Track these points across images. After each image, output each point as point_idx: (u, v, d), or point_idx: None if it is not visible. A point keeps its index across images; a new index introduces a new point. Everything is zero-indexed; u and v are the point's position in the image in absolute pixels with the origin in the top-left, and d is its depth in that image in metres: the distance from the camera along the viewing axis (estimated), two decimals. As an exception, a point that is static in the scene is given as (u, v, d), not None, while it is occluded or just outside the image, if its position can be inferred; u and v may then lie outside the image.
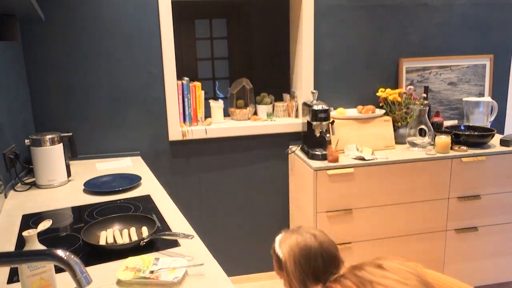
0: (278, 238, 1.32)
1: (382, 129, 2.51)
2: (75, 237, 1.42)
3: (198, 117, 2.55)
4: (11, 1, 1.43)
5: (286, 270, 1.23)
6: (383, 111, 2.58)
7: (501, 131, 2.99)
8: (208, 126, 2.54)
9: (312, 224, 2.27)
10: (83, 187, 1.89)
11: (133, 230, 1.40)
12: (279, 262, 1.27)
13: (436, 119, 2.62)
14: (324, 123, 2.33)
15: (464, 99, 2.79)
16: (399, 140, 2.56)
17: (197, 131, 2.50)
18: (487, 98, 2.77)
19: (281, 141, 2.66)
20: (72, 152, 2.08)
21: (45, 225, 1.03)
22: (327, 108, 2.33)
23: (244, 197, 2.71)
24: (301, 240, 1.24)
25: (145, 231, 1.40)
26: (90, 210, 1.65)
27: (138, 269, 1.16)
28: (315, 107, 2.32)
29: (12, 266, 1.17)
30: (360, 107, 2.59)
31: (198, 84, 2.51)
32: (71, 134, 2.06)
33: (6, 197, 1.80)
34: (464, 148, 2.41)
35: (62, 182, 1.96)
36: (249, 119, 2.70)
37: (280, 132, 2.63)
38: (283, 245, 1.27)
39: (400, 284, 1.04)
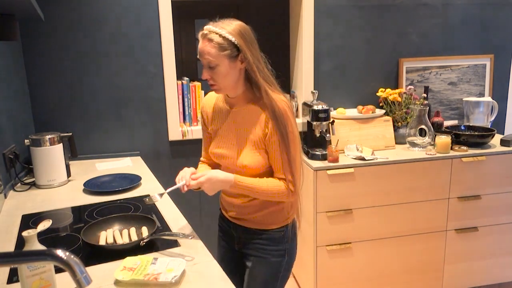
0: (212, 28, 1.40)
1: (382, 129, 2.51)
2: (75, 237, 1.42)
3: (198, 117, 2.55)
4: (11, 1, 1.43)
5: (242, 46, 1.37)
6: (383, 111, 2.58)
7: (501, 131, 2.99)
8: (208, 126, 2.54)
9: (312, 225, 2.27)
10: (83, 187, 1.88)
11: (133, 230, 1.40)
12: (222, 46, 1.37)
13: (436, 119, 2.62)
14: (324, 123, 2.33)
15: (464, 99, 2.79)
16: (399, 140, 2.56)
17: (197, 131, 2.50)
18: (487, 98, 2.77)
19: (281, 141, 2.65)
20: (72, 152, 2.08)
21: (45, 225, 1.03)
22: (327, 108, 2.33)
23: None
24: (237, 24, 1.42)
25: (145, 231, 1.40)
26: (90, 210, 1.65)
27: (136, 269, 1.16)
28: (315, 107, 2.32)
29: (12, 266, 1.17)
30: (360, 107, 2.58)
31: (198, 84, 2.51)
32: (71, 134, 2.06)
33: (5, 197, 1.80)
34: (464, 148, 2.40)
35: (62, 182, 1.96)
36: (249, 119, 2.69)
37: (280, 132, 2.63)
38: (228, 29, 1.39)
39: None
